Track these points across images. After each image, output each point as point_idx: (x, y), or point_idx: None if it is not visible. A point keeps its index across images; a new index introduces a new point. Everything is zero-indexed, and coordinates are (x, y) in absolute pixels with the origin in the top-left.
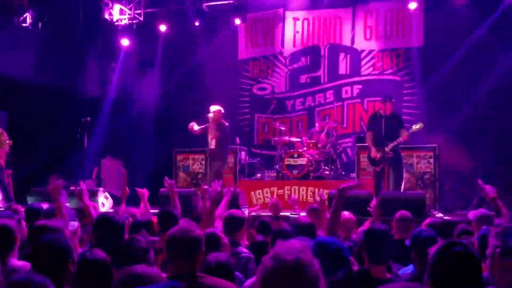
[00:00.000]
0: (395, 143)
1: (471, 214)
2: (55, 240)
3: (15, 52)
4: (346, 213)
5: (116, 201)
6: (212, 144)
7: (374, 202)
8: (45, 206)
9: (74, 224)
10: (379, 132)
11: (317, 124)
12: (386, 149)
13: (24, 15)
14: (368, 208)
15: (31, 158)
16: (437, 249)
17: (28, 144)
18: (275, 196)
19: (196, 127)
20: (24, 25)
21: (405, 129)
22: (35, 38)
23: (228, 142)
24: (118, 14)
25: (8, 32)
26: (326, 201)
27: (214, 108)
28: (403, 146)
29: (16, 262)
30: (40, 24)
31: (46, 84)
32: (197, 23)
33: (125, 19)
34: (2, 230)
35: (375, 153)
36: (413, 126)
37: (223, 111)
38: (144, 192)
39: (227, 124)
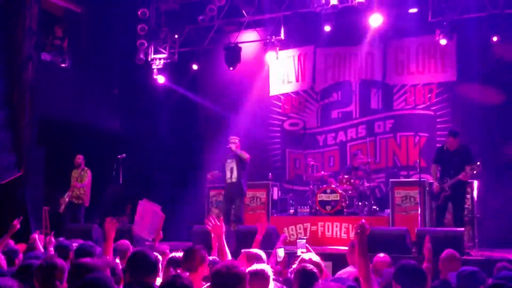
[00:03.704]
0: (454, 180)
1: None
2: (98, 279)
3: (53, 92)
4: (381, 255)
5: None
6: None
7: (427, 243)
8: (75, 244)
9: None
10: (444, 166)
11: (350, 159)
12: (445, 186)
13: (63, 56)
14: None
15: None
16: None
17: (64, 180)
18: (307, 232)
19: None
20: (63, 65)
21: (471, 165)
22: (73, 78)
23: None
24: (153, 54)
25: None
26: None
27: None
28: None
29: None
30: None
31: (82, 122)
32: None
33: (160, 58)
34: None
35: (435, 187)
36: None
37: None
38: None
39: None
